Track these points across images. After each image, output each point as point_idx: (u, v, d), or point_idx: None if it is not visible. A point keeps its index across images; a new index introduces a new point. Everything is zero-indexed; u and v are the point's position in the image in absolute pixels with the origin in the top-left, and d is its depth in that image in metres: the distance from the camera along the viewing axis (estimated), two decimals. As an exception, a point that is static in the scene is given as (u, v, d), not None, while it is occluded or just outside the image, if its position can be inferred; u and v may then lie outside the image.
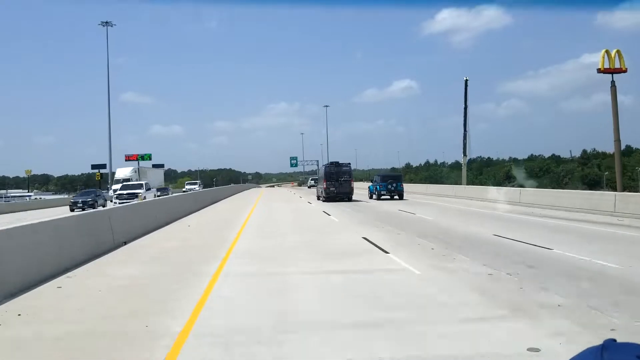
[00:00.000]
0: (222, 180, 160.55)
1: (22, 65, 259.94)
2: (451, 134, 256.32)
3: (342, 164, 31.64)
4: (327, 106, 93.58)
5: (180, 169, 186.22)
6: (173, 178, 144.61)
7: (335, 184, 30.27)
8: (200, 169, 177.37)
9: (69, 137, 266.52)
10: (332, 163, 32.17)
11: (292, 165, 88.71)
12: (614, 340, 0.84)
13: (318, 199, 33.52)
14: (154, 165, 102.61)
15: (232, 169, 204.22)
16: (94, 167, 74.24)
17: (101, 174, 69.33)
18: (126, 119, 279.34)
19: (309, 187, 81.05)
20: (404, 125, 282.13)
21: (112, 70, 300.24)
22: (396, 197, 32.06)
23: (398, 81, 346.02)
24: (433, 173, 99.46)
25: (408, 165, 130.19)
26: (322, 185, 31.38)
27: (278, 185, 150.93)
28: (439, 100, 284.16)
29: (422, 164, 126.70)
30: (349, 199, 30.38)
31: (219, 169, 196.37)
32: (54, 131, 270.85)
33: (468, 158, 49.64)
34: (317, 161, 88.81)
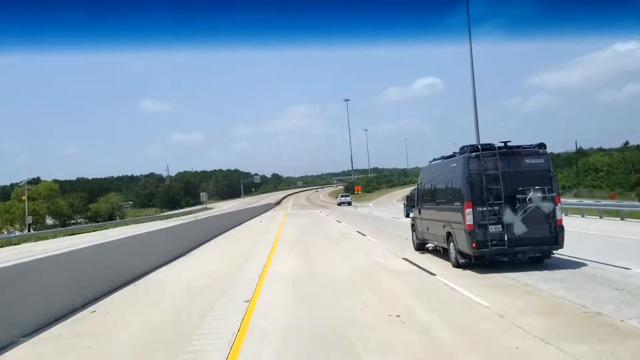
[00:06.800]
0: (213, 191, 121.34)
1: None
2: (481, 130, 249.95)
3: (522, 149, 10.43)
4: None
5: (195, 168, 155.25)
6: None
7: (508, 214, 9.93)
8: (181, 171, 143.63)
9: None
10: (486, 146, 10.47)
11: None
12: None
13: (419, 249, 14.02)
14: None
15: (238, 169, 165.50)
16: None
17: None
18: (145, 127, 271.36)
19: (339, 204, 64.38)
20: (428, 124, 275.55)
21: (129, 78, 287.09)
22: None
23: (421, 79, 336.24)
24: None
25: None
26: (461, 213, 10.27)
27: (315, 191, 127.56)
28: (465, 96, 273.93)
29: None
30: (545, 258, 10.60)
31: (213, 170, 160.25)
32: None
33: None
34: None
